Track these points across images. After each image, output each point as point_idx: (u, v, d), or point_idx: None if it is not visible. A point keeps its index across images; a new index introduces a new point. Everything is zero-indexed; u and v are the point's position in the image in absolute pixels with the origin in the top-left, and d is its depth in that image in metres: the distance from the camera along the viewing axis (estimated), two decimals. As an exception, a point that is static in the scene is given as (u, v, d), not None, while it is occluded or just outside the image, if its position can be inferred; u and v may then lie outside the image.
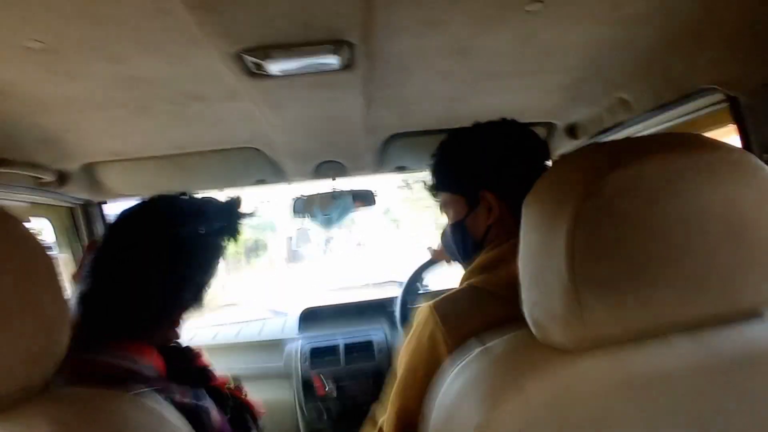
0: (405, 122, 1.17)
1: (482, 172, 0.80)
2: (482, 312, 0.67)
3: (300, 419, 1.43)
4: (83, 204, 1.44)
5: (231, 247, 0.82)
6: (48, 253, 0.46)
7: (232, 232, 0.79)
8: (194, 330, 1.69)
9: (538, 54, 0.82)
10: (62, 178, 1.15)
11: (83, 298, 0.67)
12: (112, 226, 0.75)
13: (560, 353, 0.44)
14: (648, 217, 0.41)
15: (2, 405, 0.40)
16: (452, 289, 0.76)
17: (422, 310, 0.72)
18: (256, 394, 1.50)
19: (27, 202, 1.21)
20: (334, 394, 1.37)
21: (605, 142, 0.47)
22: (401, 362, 0.73)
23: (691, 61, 0.77)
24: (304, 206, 1.47)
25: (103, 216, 1.53)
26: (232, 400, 0.76)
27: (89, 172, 1.23)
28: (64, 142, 1.01)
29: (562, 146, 1.29)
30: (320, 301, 1.79)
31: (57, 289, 0.45)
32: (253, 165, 1.35)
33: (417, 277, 1.36)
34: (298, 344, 1.48)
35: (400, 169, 1.51)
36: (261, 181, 1.46)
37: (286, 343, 1.52)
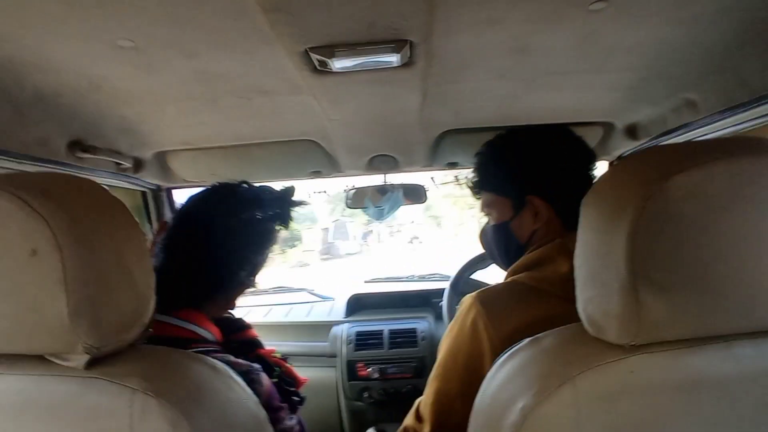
0: (459, 119, 1.18)
1: (531, 177, 0.81)
2: (525, 306, 0.69)
3: (342, 398, 1.50)
4: (154, 189, 1.57)
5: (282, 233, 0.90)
6: (140, 230, 0.53)
7: (285, 218, 0.86)
8: (248, 308, 1.80)
9: (600, 53, 0.81)
10: (138, 164, 1.25)
11: (155, 272, 0.76)
12: (182, 209, 0.84)
13: (614, 349, 0.44)
14: (712, 222, 0.40)
15: (99, 358, 0.46)
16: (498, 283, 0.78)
17: (466, 299, 0.74)
18: (301, 372, 1.60)
19: (107, 185, 1.33)
20: (376, 376, 1.42)
21: (670, 145, 0.46)
22: (442, 347, 0.76)
23: (764, 61, 0.74)
24: (356, 198, 1.53)
25: (171, 200, 1.66)
26: (277, 368, 0.81)
27: (161, 159, 1.33)
28: (140, 132, 1.10)
29: (621, 147, 1.26)
30: (367, 289, 1.85)
31: (147, 262, 0.52)
32: (310, 157, 1.41)
33: (467, 270, 1.38)
34: (344, 327, 1.54)
35: (452, 165, 1.53)
36: (316, 173, 1.52)
37: (333, 326, 1.58)
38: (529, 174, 0.81)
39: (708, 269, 0.40)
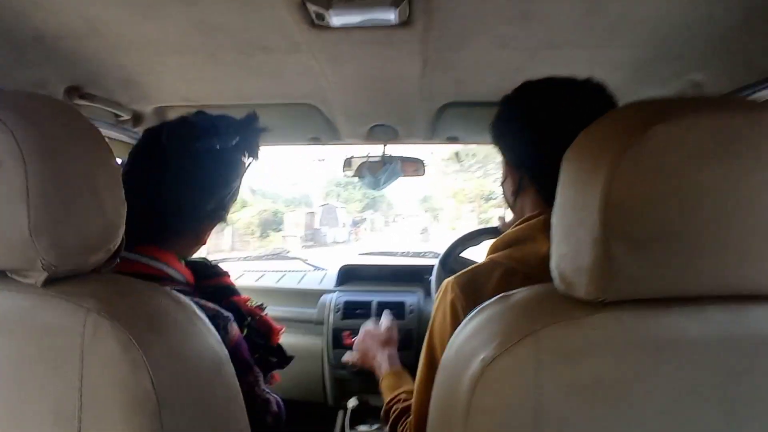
0: (461, 90, 1.16)
1: (502, 135, 0.77)
2: (501, 287, 0.64)
3: (326, 365, 1.52)
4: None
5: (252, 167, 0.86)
6: (111, 156, 0.52)
7: (250, 148, 0.81)
8: (240, 271, 1.82)
9: (605, 26, 0.79)
10: (137, 118, 1.24)
11: None
12: (136, 144, 0.81)
13: (582, 305, 0.43)
14: (692, 176, 0.38)
15: (59, 279, 0.46)
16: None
17: (445, 283, 0.72)
18: (288, 338, 1.62)
19: (106, 136, 1.32)
20: None
21: (654, 99, 0.44)
22: (428, 333, 0.74)
23: (774, 42, 0.71)
24: (353, 165, 1.52)
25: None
26: (250, 318, 0.79)
27: (161, 115, 1.32)
28: (140, 84, 1.09)
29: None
30: (360, 261, 1.86)
31: (118, 190, 0.51)
32: (310, 122, 1.40)
33: (457, 247, 1.36)
34: (333, 296, 1.55)
35: (452, 139, 1.51)
36: (315, 139, 1.51)
37: (323, 294, 1.59)
38: (502, 129, 0.77)
39: (683, 225, 0.38)
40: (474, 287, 0.68)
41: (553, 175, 0.50)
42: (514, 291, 0.50)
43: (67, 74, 0.97)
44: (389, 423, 0.86)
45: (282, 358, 0.87)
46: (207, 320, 0.55)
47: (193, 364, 0.50)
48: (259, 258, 2.06)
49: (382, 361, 1.06)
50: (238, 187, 0.82)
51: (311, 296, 1.63)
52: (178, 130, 0.74)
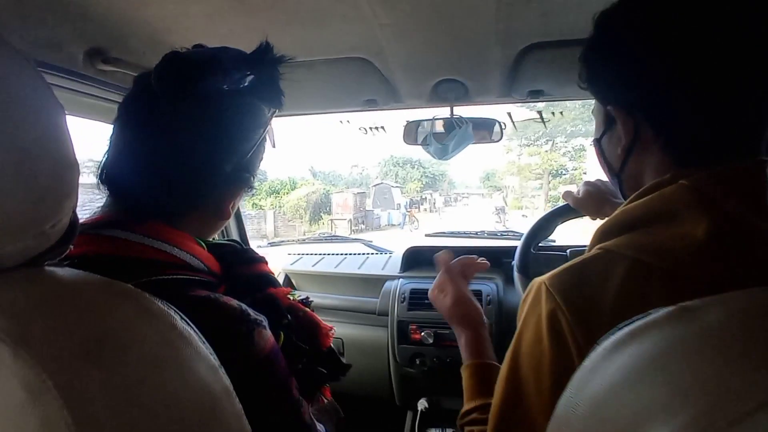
0: (548, 26, 0.90)
1: (606, 62, 0.53)
2: (629, 292, 0.45)
3: (391, 361, 1.34)
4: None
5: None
6: (63, 116, 0.36)
7: (266, 88, 0.61)
8: (297, 255, 1.68)
9: None
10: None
11: (104, 174, 0.57)
12: (125, 96, 0.62)
13: None
14: None
15: None
16: (579, 249, 0.53)
17: (534, 287, 0.51)
18: (349, 329, 1.47)
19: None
20: (430, 340, 1.23)
21: None
22: (517, 344, 0.54)
23: None
24: (415, 132, 1.30)
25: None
26: (291, 315, 0.61)
27: None
28: (168, 44, 0.95)
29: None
30: (427, 243, 1.65)
31: (57, 143, 0.34)
32: (364, 81, 1.20)
33: (545, 225, 1.09)
34: (398, 283, 1.36)
35: (535, 94, 1.24)
36: (371, 102, 1.31)
37: (386, 281, 1.41)
38: (616, 68, 0.53)
39: None
40: (584, 293, 0.47)
41: (695, 118, 0.37)
42: (695, 302, 0.29)
43: (86, 33, 0.85)
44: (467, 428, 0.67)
45: (335, 367, 0.68)
46: (197, 336, 0.39)
47: (166, 410, 0.33)
48: (318, 240, 1.92)
49: (460, 336, 0.85)
50: (262, 141, 0.63)
51: (374, 283, 1.45)
52: (170, 69, 0.55)
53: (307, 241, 1.97)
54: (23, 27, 0.77)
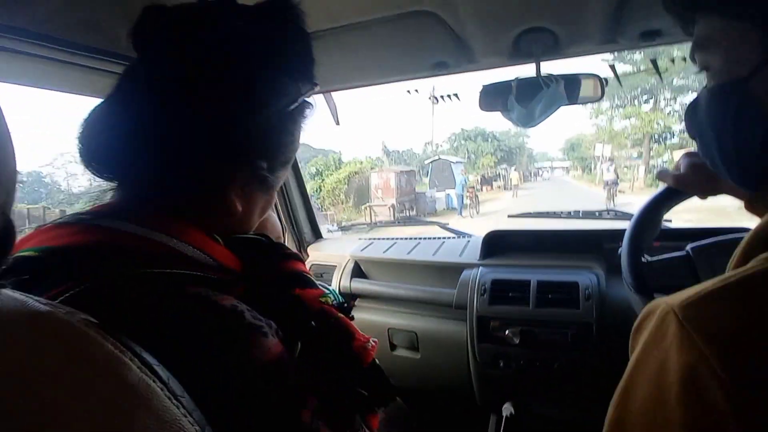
0: None
1: None
2: None
3: (471, 361, 1.19)
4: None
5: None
6: None
7: (282, 52, 0.49)
8: (366, 241, 1.58)
9: None
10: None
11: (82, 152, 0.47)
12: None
13: None
14: None
15: None
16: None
17: (656, 316, 0.34)
18: (424, 322, 1.34)
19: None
20: (516, 340, 1.05)
21: None
22: (619, 419, 0.36)
23: None
24: (494, 96, 1.10)
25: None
26: (318, 322, 0.49)
27: None
28: None
29: None
30: (511, 226, 1.45)
31: None
32: (431, 40, 1.03)
33: (648, 219, 0.81)
34: (478, 273, 1.19)
35: (649, 36, 0.98)
36: (441, 65, 1.14)
37: (464, 270, 1.25)
38: None
39: None
40: (751, 334, 0.29)
41: None
42: None
43: (129, 14, 0.79)
44: None
45: (381, 389, 0.54)
46: (162, 389, 0.29)
47: None
48: (390, 223, 1.81)
49: None
50: (284, 120, 0.50)
51: (450, 271, 1.30)
52: (149, 23, 0.45)
53: (379, 224, 1.86)
54: (64, 8, 0.73)
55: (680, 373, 0.30)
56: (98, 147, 0.47)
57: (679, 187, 0.73)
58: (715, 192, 0.68)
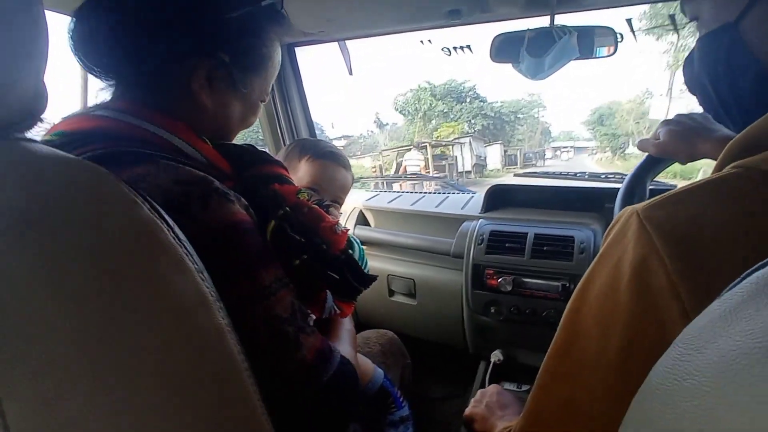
0: None
1: None
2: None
3: (464, 307, 1.23)
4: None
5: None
6: None
7: None
8: (373, 192, 1.61)
9: None
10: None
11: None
12: None
13: None
14: None
15: None
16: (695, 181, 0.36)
17: (623, 217, 0.38)
18: (421, 269, 1.38)
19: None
20: (508, 288, 1.09)
21: None
22: (575, 308, 0.41)
23: None
24: (506, 46, 1.09)
25: (293, 58, 1.48)
26: (289, 208, 0.53)
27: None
28: None
29: None
30: (515, 182, 1.46)
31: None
32: None
33: (632, 190, 0.81)
34: (477, 224, 1.22)
35: (669, -11, 0.96)
36: (455, 13, 1.13)
37: (464, 222, 1.28)
38: None
39: None
40: (704, 232, 0.32)
41: None
42: None
43: None
44: None
45: (355, 276, 0.58)
46: (170, 233, 0.33)
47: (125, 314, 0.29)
48: (396, 178, 1.84)
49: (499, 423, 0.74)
50: (249, 14, 0.53)
51: (451, 223, 1.33)
52: None
53: (387, 178, 1.89)
54: None
55: (633, 263, 0.34)
56: (87, 53, 0.51)
57: (659, 154, 0.75)
58: (694, 157, 0.70)
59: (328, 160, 0.95)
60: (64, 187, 0.30)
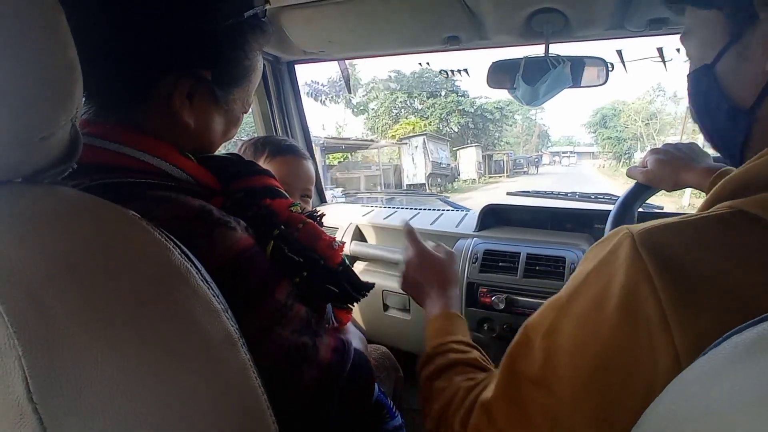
0: None
1: None
2: (760, 261, 0.32)
3: (459, 324, 1.26)
4: (272, 60, 1.44)
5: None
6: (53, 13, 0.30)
7: None
8: (369, 208, 1.64)
9: None
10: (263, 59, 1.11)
11: None
12: None
13: None
14: None
15: None
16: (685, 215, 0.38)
17: (615, 236, 0.38)
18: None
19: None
20: (501, 306, 1.12)
21: None
22: (557, 312, 0.42)
23: None
24: (501, 73, 1.14)
25: (293, 76, 1.51)
26: (284, 226, 0.53)
27: (274, 19, 1.15)
28: None
29: None
30: (509, 202, 1.50)
31: (48, 54, 0.30)
32: (446, 15, 1.07)
33: (620, 218, 0.83)
34: (471, 242, 1.25)
35: (657, 24, 1.01)
36: (454, 39, 1.17)
37: (459, 240, 1.31)
38: None
39: None
40: (698, 265, 0.33)
41: None
42: None
43: None
44: (426, 374, 0.59)
45: (352, 286, 0.59)
46: (198, 275, 0.35)
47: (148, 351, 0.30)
48: (391, 194, 1.86)
49: (436, 298, 0.73)
50: (230, 27, 0.52)
51: (446, 240, 1.35)
52: None
53: (378, 193, 1.92)
54: None
55: (624, 288, 0.35)
56: None
57: (646, 182, 0.78)
58: (678, 186, 0.74)
59: (289, 154, 0.94)
60: (101, 233, 0.32)
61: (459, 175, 18.79)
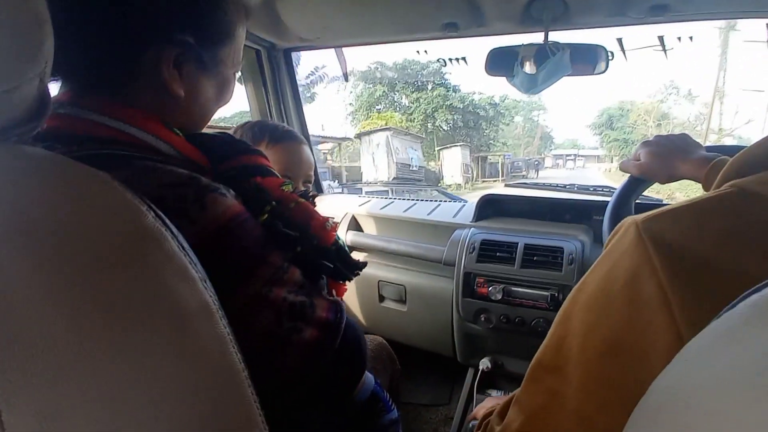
0: None
1: None
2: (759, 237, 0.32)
3: (454, 315, 1.25)
4: (268, 47, 1.41)
5: None
6: None
7: None
8: (365, 198, 1.62)
9: None
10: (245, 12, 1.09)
11: None
12: None
13: None
14: None
15: None
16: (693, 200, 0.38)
17: (623, 227, 0.39)
18: (413, 276, 1.40)
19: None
20: (498, 296, 1.11)
21: None
22: (573, 300, 0.42)
23: None
24: (500, 60, 1.12)
25: (289, 63, 1.49)
26: (277, 203, 0.52)
27: (270, 7, 1.13)
28: None
29: None
30: (507, 192, 1.49)
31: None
32: (443, 1, 1.05)
33: (618, 213, 0.82)
34: (468, 232, 1.24)
35: (659, 10, 0.99)
36: (452, 26, 1.15)
37: (456, 230, 1.30)
38: None
39: None
40: (697, 248, 0.33)
41: None
42: None
43: None
44: None
45: (345, 264, 0.59)
46: (174, 241, 0.33)
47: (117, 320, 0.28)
48: (388, 184, 1.85)
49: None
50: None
51: (443, 231, 1.35)
52: None
53: (380, 184, 1.91)
54: None
55: (627, 271, 0.36)
56: None
57: (640, 175, 0.77)
58: (673, 178, 0.73)
59: (288, 141, 0.94)
60: (68, 194, 0.30)
61: (442, 179, 16.81)
